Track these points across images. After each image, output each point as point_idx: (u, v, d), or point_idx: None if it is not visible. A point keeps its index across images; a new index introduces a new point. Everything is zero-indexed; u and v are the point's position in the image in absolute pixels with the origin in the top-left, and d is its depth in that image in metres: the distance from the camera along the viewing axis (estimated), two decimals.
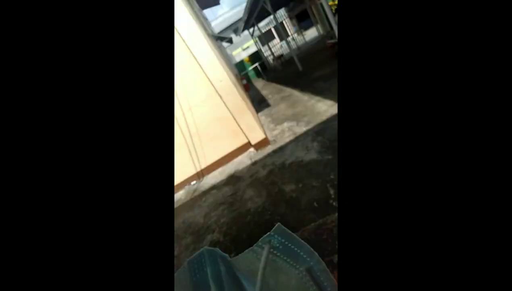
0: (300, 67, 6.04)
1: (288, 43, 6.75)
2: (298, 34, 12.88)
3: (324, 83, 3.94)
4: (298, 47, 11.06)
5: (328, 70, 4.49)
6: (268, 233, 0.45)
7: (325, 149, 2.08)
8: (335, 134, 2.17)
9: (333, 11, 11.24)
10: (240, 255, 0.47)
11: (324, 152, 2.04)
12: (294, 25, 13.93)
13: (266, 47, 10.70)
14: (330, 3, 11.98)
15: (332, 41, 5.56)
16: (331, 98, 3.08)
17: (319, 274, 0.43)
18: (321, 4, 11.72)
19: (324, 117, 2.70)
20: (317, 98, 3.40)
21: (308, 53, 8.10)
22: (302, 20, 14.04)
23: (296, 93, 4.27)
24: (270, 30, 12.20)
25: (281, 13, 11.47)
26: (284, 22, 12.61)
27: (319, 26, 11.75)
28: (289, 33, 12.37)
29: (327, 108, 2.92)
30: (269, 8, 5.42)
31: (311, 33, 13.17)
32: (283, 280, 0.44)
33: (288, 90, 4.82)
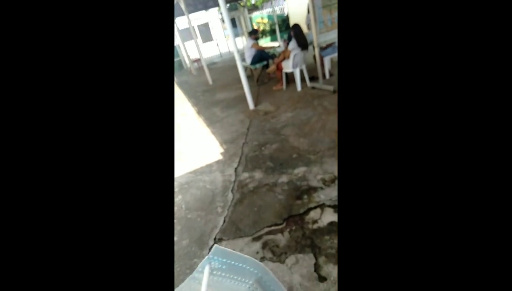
0: (210, 81, 5.62)
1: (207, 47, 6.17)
2: (227, 39, 12.55)
3: (221, 112, 3.63)
4: (221, 54, 10.68)
5: (233, 95, 4.25)
6: (207, 256, 0.44)
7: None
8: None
9: (259, 29, 11.70)
10: (181, 285, 0.45)
11: None
12: (224, 29, 13.53)
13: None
14: (258, 20, 12.38)
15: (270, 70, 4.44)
16: (214, 141, 2.76)
17: (268, 283, 0.44)
18: (250, 18, 11.87)
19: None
20: (209, 129, 3.02)
21: (228, 65, 7.77)
22: (234, 26, 13.88)
23: (190, 113, 3.83)
24: (191, 27, 11.30)
25: (213, 12, 10.78)
26: (209, 23, 12.00)
27: (244, 38, 11.79)
28: (213, 37, 11.83)
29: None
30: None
31: (239, 43, 13.09)
32: None
33: (185, 108, 4.30)
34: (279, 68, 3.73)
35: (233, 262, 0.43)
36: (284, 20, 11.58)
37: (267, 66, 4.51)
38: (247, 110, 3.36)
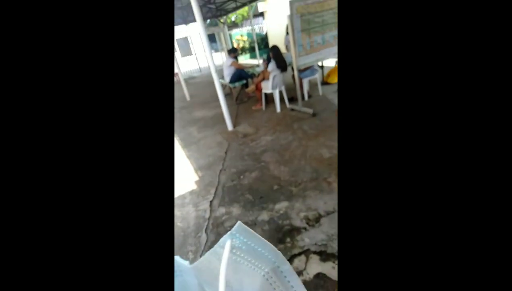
0: (188, 97, 5.41)
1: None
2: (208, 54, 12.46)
3: (197, 132, 3.44)
4: (200, 69, 10.55)
5: (211, 113, 4.09)
6: (229, 231, 0.42)
7: None
8: None
9: (239, 47, 11.85)
10: (201, 258, 0.45)
11: None
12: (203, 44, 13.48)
13: None
14: (238, 37, 12.57)
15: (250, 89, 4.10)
16: (189, 166, 2.56)
17: (285, 274, 0.43)
18: (230, 35, 12.00)
19: None
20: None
21: (208, 80, 7.60)
22: (213, 41, 13.91)
23: None
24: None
25: (194, 26, 10.69)
26: (189, 37, 11.92)
27: (224, 54, 11.83)
28: (192, 52, 11.73)
29: None
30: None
31: (219, 58, 13.08)
32: (247, 283, 0.43)
33: None
34: (258, 88, 3.67)
35: (252, 244, 0.42)
36: (263, 39, 11.87)
37: (246, 85, 4.44)
38: (226, 131, 3.20)
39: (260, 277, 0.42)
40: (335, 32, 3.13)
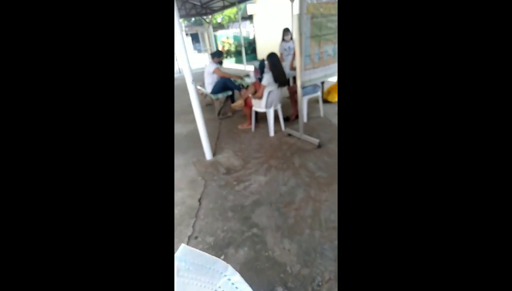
0: None
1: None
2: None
3: None
4: (180, 70, 9.56)
5: (187, 129, 3.24)
6: (174, 255, 0.43)
7: None
8: None
9: (224, 49, 11.04)
10: None
11: None
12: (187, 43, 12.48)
13: None
14: (223, 39, 11.78)
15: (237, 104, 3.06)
16: None
17: (236, 286, 0.44)
18: (215, 36, 11.17)
19: None
20: None
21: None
22: (197, 41, 12.98)
23: None
24: None
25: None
26: None
27: (208, 55, 10.93)
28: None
29: None
30: None
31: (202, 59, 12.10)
32: None
33: None
34: (247, 104, 2.91)
35: (200, 263, 0.44)
36: (250, 44, 11.19)
37: (232, 97, 3.66)
38: (202, 161, 2.39)
39: None
40: None
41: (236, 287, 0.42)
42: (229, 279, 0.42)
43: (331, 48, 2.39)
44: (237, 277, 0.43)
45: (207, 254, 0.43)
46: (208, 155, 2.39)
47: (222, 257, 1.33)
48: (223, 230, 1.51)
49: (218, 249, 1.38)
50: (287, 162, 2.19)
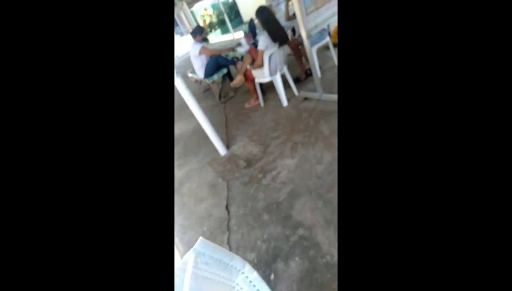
0: None
1: None
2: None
3: (176, 168, 2.32)
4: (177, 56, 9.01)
5: (190, 126, 2.94)
6: (192, 248, 0.43)
7: None
8: None
9: (205, 24, 10.09)
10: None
11: None
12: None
13: None
14: (202, 13, 10.77)
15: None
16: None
17: (254, 284, 0.43)
18: (192, 13, 10.23)
19: None
20: None
21: (184, 72, 6.22)
22: (176, 24, 12.10)
23: None
24: None
25: None
26: None
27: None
28: None
29: None
30: None
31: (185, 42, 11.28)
32: None
33: None
34: (248, 77, 2.49)
35: (219, 258, 0.43)
36: (231, 8, 10.14)
37: (229, 74, 3.23)
38: (217, 158, 2.11)
39: (230, 289, 0.42)
40: None
41: (254, 285, 0.42)
42: (247, 277, 0.43)
43: None
44: (254, 275, 0.43)
45: (223, 248, 0.44)
46: (221, 150, 2.10)
47: (272, 276, 1.09)
48: (264, 240, 1.26)
49: (264, 267, 1.14)
50: (314, 133, 1.84)
